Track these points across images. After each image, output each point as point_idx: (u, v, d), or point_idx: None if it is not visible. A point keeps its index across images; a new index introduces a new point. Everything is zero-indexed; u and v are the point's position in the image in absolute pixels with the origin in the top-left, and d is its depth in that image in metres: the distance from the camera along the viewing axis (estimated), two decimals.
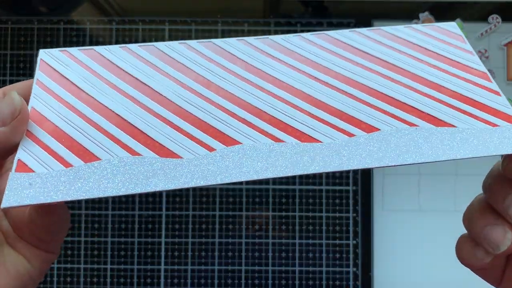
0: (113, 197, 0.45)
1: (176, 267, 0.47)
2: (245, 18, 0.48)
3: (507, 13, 0.48)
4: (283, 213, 0.47)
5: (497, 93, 0.23)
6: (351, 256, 0.47)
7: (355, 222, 0.47)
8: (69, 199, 0.22)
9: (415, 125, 0.22)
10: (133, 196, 0.46)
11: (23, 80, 0.49)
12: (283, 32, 0.48)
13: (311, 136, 0.22)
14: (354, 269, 0.47)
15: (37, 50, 0.48)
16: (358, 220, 0.47)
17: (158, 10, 0.49)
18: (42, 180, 0.22)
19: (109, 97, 0.24)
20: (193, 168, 0.22)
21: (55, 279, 0.47)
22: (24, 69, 0.48)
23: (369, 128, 0.22)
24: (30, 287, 0.21)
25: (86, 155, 0.22)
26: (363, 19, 0.48)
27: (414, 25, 0.25)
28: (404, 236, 0.48)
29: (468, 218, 0.21)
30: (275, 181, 0.47)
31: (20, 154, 0.22)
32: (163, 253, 0.47)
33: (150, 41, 0.48)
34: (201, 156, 0.22)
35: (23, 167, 0.22)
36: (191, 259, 0.47)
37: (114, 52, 0.25)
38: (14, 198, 0.21)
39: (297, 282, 0.47)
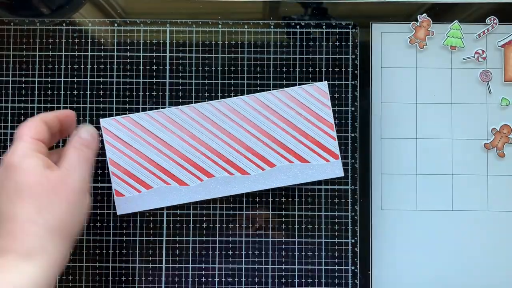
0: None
1: (177, 265, 0.47)
2: (245, 20, 0.49)
3: (504, 14, 0.49)
4: (283, 212, 0.48)
5: (334, 138, 0.46)
6: (350, 254, 0.48)
7: (353, 221, 0.48)
8: (148, 208, 0.47)
9: (292, 162, 0.45)
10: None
11: (25, 80, 0.49)
12: (282, 34, 0.49)
13: (245, 171, 0.46)
14: (353, 267, 0.48)
15: (39, 51, 0.49)
16: (357, 219, 0.48)
17: (159, 12, 0.49)
18: (130, 200, 0.46)
19: (147, 149, 0.46)
20: (195, 191, 0.46)
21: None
22: (26, 70, 0.49)
23: (271, 164, 0.45)
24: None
25: (145, 185, 0.46)
26: (362, 21, 0.49)
27: (304, 86, 0.46)
28: (402, 235, 0.48)
29: None
30: None
31: (115, 186, 0.46)
32: (164, 252, 0.48)
33: (152, 42, 0.49)
34: (197, 184, 0.46)
35: (119, 194, 0.46)
36: (191, 257, 0.48)
37: (143, 119, 0.46)
38: (121, 210, 0.46)
39: (296, 280, 0.47)
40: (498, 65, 0.49)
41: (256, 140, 0.45)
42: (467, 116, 0.49)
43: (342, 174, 0.46)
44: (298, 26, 0.49)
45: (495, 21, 0.49)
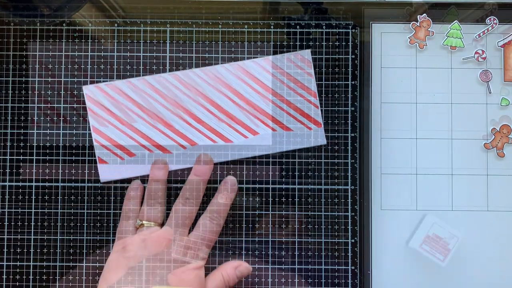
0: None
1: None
2: (245, 20, 0.49)
3: (504, 14, 0.49)
4: (283, 212, 0.48)
5: (317, 106, 0.46)
6: (350, 254, 0.48)
7: (353, 221, 0.48)
8: (131, 176, 0.46)
9: (275, 130, 0.46)
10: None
11: (23, 80, 0.49)
12: (282, 34, 0.49)
13: (228, 139, 0.46)
14: (353, 267, 0.48)
15: (39, 51, 0.49)
16: (357, 219, 0.48)
17: (159, 12, 0.49)
18: (113, 167, 0.46)
19: (130, 116, 0.46)
20: (179, 158, 0.46)
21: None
22: (26, 70, 0.49)
23: (254, 132, 0.46)
24: None
25: (128, 152, 0.46)
26: (362, 21, 0.49)
27: (287, 54, 0.46)
28: (402, 234, 0.48)
29: None
30: (275, 181, 0.47)
31: (98, 153, 0.46)
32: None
33: (152, 42, 0.49)
34: (181, 152, 0.46)
35: (102, 161, 0.46)
36: None
37: (126, 86, 0.46)
38: (104, 177, 0.46)
39: (296, 280, 0.47)
40: (498, 65, 0.49)
41: (239, 108, 0.46)
42: (467, 116, 0.49)
43: (324, 142, 0.46)
44: (298, 26, 0.49)
45: (495, 21, 0.49)
